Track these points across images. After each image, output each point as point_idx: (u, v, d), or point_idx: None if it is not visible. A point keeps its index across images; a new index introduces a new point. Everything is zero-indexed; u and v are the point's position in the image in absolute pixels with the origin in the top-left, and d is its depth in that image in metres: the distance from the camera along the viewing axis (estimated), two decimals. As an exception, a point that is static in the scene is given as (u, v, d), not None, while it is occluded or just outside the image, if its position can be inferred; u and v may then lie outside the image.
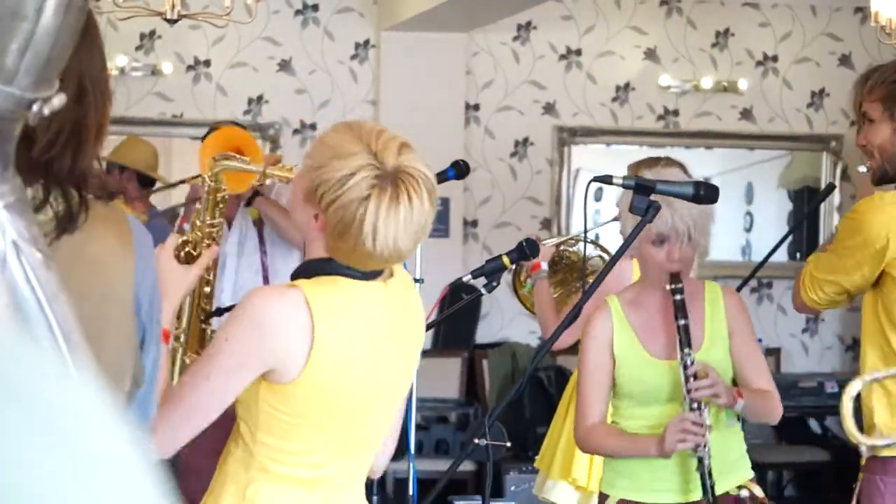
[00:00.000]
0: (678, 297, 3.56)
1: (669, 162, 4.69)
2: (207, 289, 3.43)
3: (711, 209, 3.60)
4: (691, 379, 3.50)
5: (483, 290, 4.08)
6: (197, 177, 5.66)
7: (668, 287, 3.59)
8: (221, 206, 3.23)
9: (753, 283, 8.48)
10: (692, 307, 3.62)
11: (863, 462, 3.52)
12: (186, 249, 2.91)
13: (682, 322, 3.54)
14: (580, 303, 3.52)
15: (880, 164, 3.47)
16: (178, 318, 2.90)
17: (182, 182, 6.66)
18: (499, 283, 4.07)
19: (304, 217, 2.57)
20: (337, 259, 2.54)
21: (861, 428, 3.52)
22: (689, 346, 3.53)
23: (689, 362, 3.52)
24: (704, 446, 3.48)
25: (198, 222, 3.09)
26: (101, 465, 0.74)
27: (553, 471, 4.84)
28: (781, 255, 8.65)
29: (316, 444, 2.55)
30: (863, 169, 3.61)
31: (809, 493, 8.21)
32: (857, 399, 3.52)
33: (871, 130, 3.48)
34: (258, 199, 5.62)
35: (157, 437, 2.43)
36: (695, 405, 3.50)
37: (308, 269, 2.59)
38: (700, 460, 3.49)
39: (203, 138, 5.87)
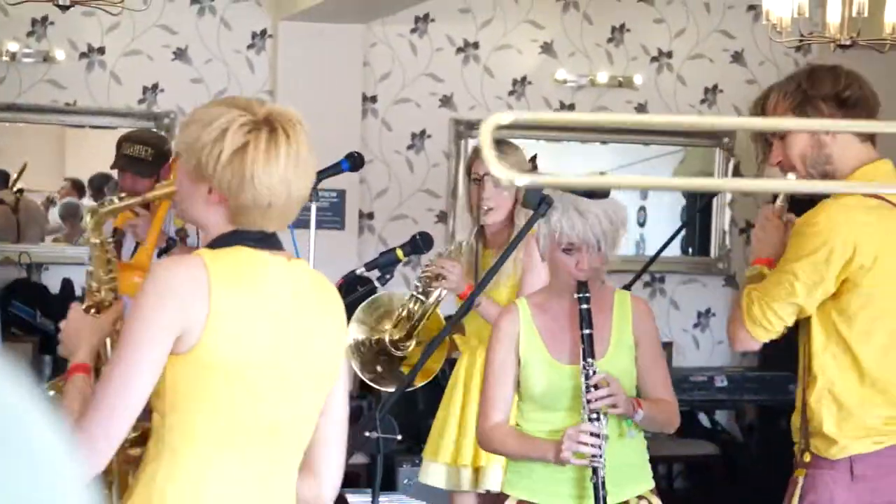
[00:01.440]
0: (584, 305, 3.58)
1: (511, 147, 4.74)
2: None
3: (625, 220, 3.61)
4: (592, 389, 3.53)
5: (377, 283, 4.08)
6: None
7: (575, 295, 3.61)
8: (110, 259, 3.13)
9: (647, 277, 8.57)
10: (600, 314, 3.65)
11: (806, 458, 3.52)
12: (93, 311, 2.88)
13: (586, 332, 3.57)
14: (472, 296, 3.53)
15: (804, 173, 3.46)
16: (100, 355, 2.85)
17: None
18: (392, 276, 4.08)
19: (199, 198, 2.57)
20: (242, 226, 2.54)
21: (807, 430, 3.52)
22: (593, 356, 3.56)
23: (590, 372, 3.54)
24: (600, 457, 3.51)
25: (94, 284, 3.01)
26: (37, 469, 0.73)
27: (426, 452, 4.87)
28: (674, 250, 8.76)
29: (220, 422, 2.51)
30: (791, 176, 3.58)
31: (698, 485, 8.31)
32: (804, 403, 3.53)
33: (787, 145, 3.46)
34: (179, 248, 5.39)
35: (87, 433, 2.39)
36: (594, 415, 3.53)
37: (213, 244, 2.58)
38: (595, 470, 3.52)
39: (115, 164, 5.75)
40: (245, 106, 2.54)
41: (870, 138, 3.44)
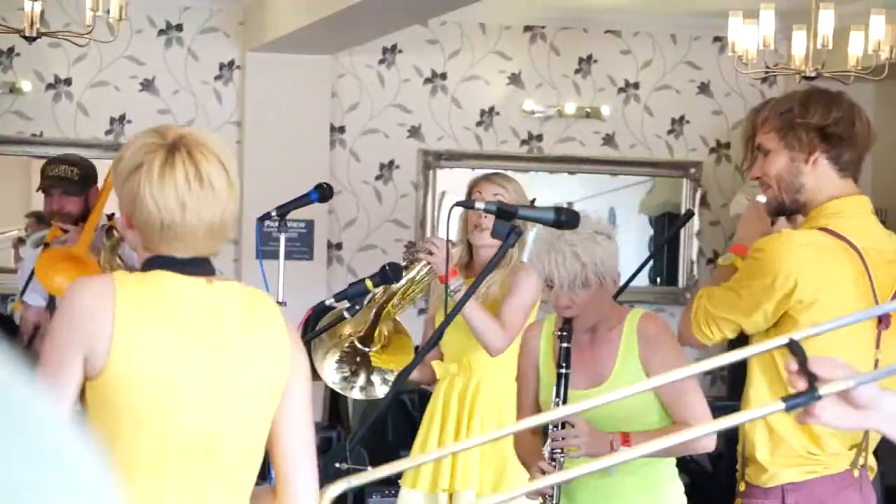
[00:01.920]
0: (563, 344, 3.57)
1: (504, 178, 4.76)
2: None
3: (605, 255, 3.59)
4: (556, 429, 3.53)
5: (346, 314, 4.07)
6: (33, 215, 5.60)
7: (556, 333, 3.61)
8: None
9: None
10: (606, 339, 3.65)
11: (741, 488, 3.53)
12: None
13: (562, 371, 3.57)
14: (444, 324, 3.52)
15: (777, 194, 3.47)
16: None
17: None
18: (362, 307, 4.06)
19: (124, 224, 2.59)
20: (155, 251, 2.54)
21: (743, 458, 3.53)
22: (564, 398, 3.55)
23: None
24: (550, 497, 3.53)
25: None
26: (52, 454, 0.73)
27: (404, 481, 4.86)
28: (642, 280, 8.77)
29: (145, 446, 2.48)
30: (762, 198, 3.60)
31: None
32: (735, 430, 3.53)
33: (767, 162, 3.47)
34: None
35: None
36: (555, 453, 3.53)
37: (142, 269, 2.59)
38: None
39: (42, 187, 5.71)
40: (162, 131, 2.53)
41: (851, 174, 3.44)
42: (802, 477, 3.39)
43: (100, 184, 5.63)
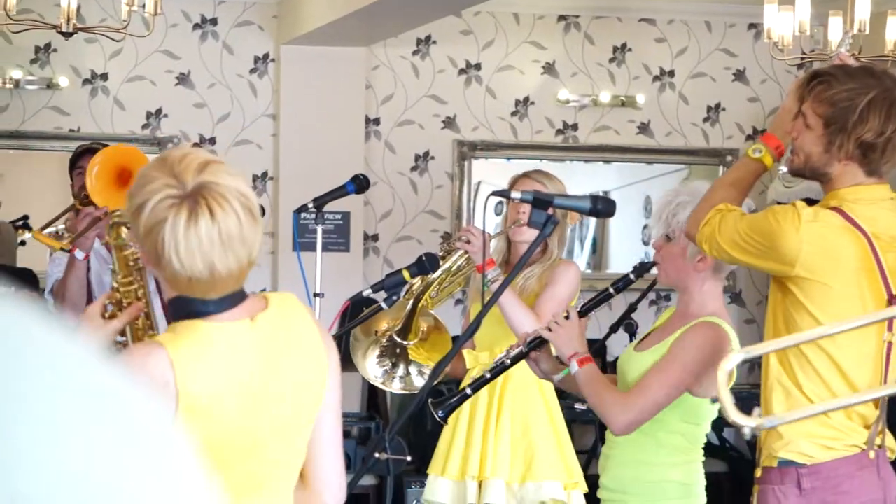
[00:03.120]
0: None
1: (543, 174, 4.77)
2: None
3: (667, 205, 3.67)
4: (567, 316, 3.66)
5: (383, 305, 4.09)
6: (70, 208, 5.52)
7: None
8: (133, 263, 3.14)
9: (652, 295, 8.57)
10: (674, 321, 3.75)
11: (757, 474, 3.53)
12: (110, 311, 2.89)
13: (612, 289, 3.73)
14: (481, 314, 3.53)
15: (801, 167, 3.49)
16: None
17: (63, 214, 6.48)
18: (399, 297, 4.08)
19: (142, 255, 2.57)
20: (182, 293, 2.50)
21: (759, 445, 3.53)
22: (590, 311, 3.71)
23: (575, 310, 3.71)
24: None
25: (115, 283, 3.05)
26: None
27: (432, 468, 4.87)
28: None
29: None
30: (783, 169, 3.63)
31: (708, 502, 8.29)
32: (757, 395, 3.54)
33: (804, 136, 3.46)
34: None
35: None
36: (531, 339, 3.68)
37: (170, 309, 2.56)
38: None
39: (72, 163, 5.70)
40: (178, 173, 2.45)
41: (880, 175, 3.44)
42: (817, 451, 3.37)
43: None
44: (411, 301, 4.68)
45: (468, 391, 3.84)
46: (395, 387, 4.80)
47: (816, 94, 3.42)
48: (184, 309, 2.52)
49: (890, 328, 3.39)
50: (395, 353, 4.75)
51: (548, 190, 4.57)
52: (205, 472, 0.80)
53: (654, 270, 3.79)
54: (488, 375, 3.81)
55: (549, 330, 3.66)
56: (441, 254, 4.66)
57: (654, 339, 3.75)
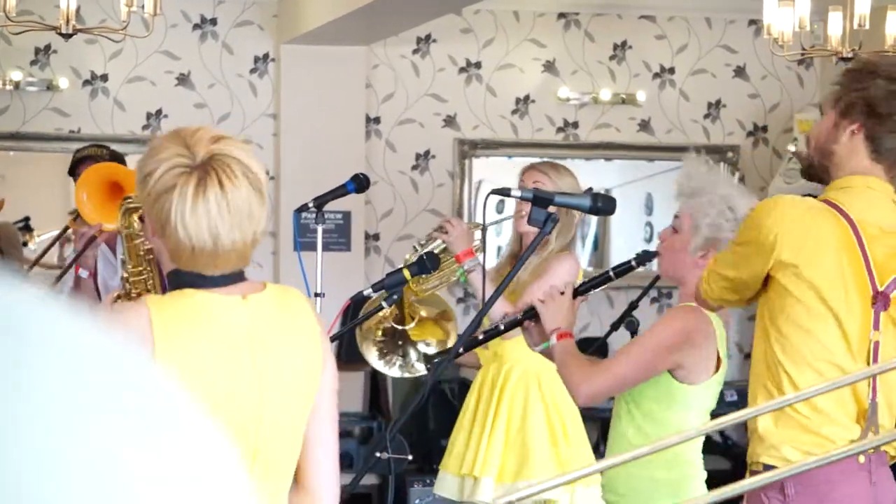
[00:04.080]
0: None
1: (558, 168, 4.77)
2: None
3: (713, 219, 3.65)
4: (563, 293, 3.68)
5: (384, 304, 4.08)
6: (76, 217, 5.52)
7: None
8: (144, 253, 3.13)
9: (654, 292, 8.56)
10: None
11: (748, 475, 3.51)
12: (119, 301, 2.88)
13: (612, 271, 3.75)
14: (485, 308, 3.53)
15: (811, 152, 3.48)
16: None
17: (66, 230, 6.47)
18: (399, 296, 4.08)
19: (149, 231, 2.56)
20: (184, 267, 2.50)
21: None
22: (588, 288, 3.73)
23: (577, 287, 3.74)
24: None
25: (125, 273, 3.04)
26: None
27: (441, 463, 4.88)
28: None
29: None
30: (791, 147, 3.64)
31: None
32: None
33: (821, 122, 3.47)
34: None
35: None
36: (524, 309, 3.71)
37: (168, 281, 2.56)
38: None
39: (71, 170, 5.70)
40: (190, 145, 2.47)
41: (886, 161, 3.41)
42: (800, 457, 3.32)
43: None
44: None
45: (461, 350, 3.85)
46: (420, 369, 4.80)
47: (839, 80, 3.44)
48: (180, 281, 2.51)
49: (876, 326, 3.34)
50: (397, 345, 4.75)
51: (553, 182, 4.56)
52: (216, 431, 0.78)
53: (656, 261, 3.79)
54: (481, 337, 3.82)
55: (542, 302, 3.67)
56: (421, 242, 4.67)
57: None
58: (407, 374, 4.84)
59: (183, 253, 2.48)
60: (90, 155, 5.63)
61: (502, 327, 3.76)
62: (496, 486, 4.67)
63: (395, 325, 4.71)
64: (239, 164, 2.46)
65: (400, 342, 4.76)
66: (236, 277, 2.53)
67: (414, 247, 4.76)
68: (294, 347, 2.58)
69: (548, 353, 3.71)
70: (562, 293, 3.68)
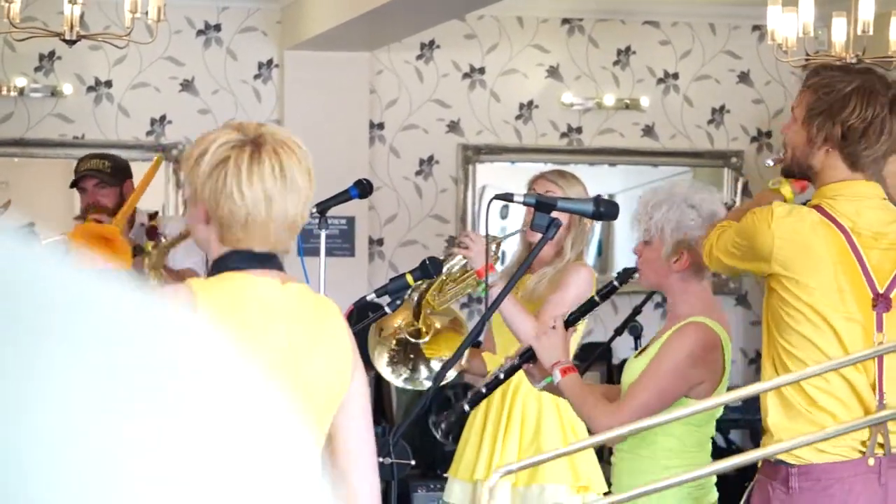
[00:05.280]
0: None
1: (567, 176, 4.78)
2: None
3: (691, 222, 3.64)
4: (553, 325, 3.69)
5: (387, 309, 4.08)
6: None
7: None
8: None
9: (658, 297, 8.55)
10: (663, 328, 3.77)
11: (759, 464, 3.54)
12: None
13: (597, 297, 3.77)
14: (483, 318, 3.53)
15: (789, 161, 3.52)
16: None
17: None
18: (402, 301, 4.08)
19: (197, 220, 2.60)
20: (229, 245, 2.55)
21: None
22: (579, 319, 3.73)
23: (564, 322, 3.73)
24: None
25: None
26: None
27: (450, 470, 4.88)
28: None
29: None
30: (769, 162, 3.68)
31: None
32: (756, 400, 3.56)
33: (792, 128, 3.51)
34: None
35: None
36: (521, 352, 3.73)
37: (211, 269, 2.61)
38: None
39: (73, 183, 5.70)
40: (240, 127, 2.57)
41: (864, 170, 3.44)
42: (807, 453, 3.33)
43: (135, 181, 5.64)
44: (413, 306, 4.68)
45: (466, 407, 3.85)
46: (427, 384, 4.81)
47: (806, 86, 3.48)
48: (224, 266, 2.56)
49: (880, 328, 3.37)
50: (409, 358, 4.75)
51: (562, 191, 4.55)
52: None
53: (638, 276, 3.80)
54: (484, 390, 3.82)
55: (536, 338, 3.68)
56: (441, 257, 4.66)
57: (650, 344, 3.76)
58: (410, 387, 4.85)
59: (235, 224, 2.53)
60: (91, 170, 5.61)
61: (502, 376, 3.77)
62: (512, 490, 4.68)
63: (410, 339, 4.70)
64: (289, 141, 2.56)
65: (412, 355, 4.76)
66: (277, 262, 2.60)
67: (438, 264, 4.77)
68: (326, 341, 2.63)
69: (552, 389, 3.72)
70: (553, 327, 3.68)
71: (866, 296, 3.35)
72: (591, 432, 3.76)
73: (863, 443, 3.36)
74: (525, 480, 4.68)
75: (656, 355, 3.64)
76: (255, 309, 2.55)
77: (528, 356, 3.69)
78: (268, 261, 2.58)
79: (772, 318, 3.43)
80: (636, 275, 3.78)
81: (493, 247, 4.74)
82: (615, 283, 3.77)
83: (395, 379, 4.77)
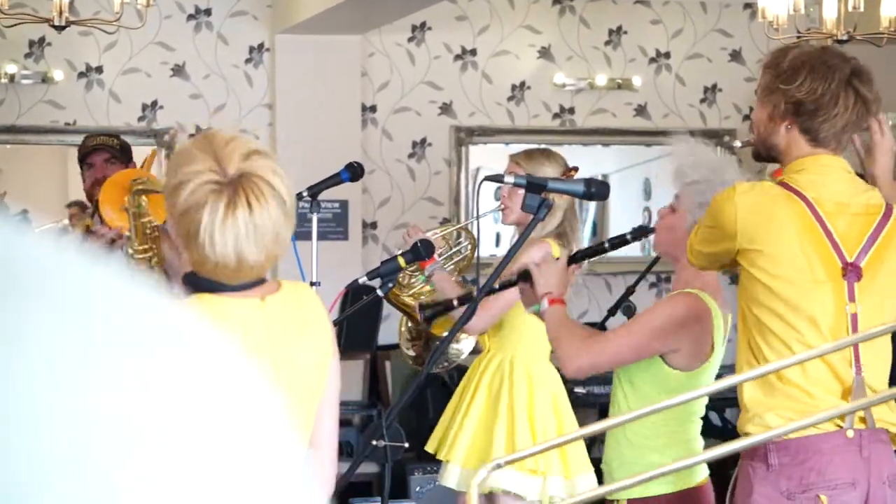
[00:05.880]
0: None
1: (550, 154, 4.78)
2: None
3: (698, 196, 3.65)
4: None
5: (379, 291, 4.08)
6: (94, 213, 5.51)
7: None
8: (150, 231, 3.14)
9: (652, 277, 8.56)
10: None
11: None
12: None
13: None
14: (478, 297, 3.52)
15: (757, 142, 3.57)
16: None
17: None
18: (395, 284, 4.08)
19: (173, 230, 2.58)
20: (202, 274, 2.53)
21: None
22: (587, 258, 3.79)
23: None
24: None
25: (130, 251, 3.04)
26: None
27: (444, 453, 4.88)
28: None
29: None
30: (738, 143, 3.72)
31: (714, 481, 8.29)
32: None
33: (757, 107, 3.55)
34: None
35: None
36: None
37: (184, 280, 2.59)
38: None
39: (81, 158, 5.66)
40: (221, 158, 2.48)
41: (827, 145, 3.45)
42: (785, 424, 3.32)
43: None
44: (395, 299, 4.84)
45: (455, 303, 3.90)
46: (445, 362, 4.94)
47: (764, 66, 3.51)
48: (199, 284, 2.55)
49: (852, 298, 3.36)
50: (427, 344, 4.86)
51: (524, 171, 4.53)
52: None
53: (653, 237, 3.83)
54: (475, 293, 3.86)
55: (537, 265, 3.69)
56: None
57: None
58: (448, 365, 4.97)
59: (206, 265, 2.51)
60: (102, 144, 5.59)
61: (497, 287, 3.79)
62: (462, 470, 4.69)
63: (412, 336, 4.81)
64: (269, 186, 2.49)
65: (428, 343, 4.86)
66: (255, 283, 2.57)
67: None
68: (307, 345, 2.63)
69: (539, 316, 3.74)
70: (557, 259, 3.71)
71: (835, 265, 3.35)
72: (560, 371, 3.78)
73: (841, 416, 3.35)
74: (475, 463, 4.62)
75: (643, 311, 3.68)
76: (232, 333, 2.53)
77: (525, 276, 3.71)
78: (241, 286, 2.55)
79: (743, 295, 3.44)
80: (651, 235, 3.81)
81: (446, 239, 4.83)
82: (628, 236, 3.78)
83: (435, 368, 4.88)
